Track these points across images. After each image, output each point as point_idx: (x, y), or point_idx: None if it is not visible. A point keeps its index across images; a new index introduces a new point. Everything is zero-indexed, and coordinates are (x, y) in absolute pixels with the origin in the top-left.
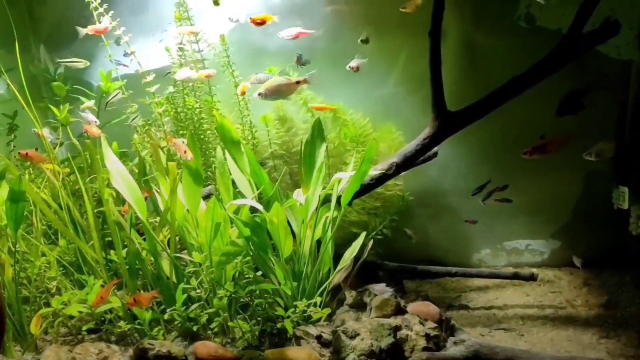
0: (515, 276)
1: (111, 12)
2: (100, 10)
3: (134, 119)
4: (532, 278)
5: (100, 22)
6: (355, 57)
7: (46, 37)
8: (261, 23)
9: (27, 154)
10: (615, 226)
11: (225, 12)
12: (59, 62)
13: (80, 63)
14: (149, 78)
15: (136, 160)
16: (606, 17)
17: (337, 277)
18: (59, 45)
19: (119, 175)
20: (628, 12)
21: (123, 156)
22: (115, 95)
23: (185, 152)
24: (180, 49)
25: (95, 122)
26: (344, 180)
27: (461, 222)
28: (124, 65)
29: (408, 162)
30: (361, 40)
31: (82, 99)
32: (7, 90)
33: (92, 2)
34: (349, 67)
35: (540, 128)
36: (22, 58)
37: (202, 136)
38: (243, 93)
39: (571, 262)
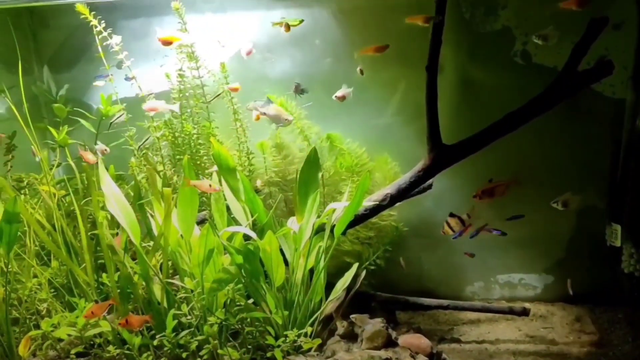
0: (508, 311)
1: (115, 37)
2: (105, 34)
3: (146, 140)
4: (524, 313)
5: (101, 46)
6: (342, 87)
7: (49, 59)
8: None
9: None
10: (608, 263)
11: (226, 39)
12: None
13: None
14: (148, 102)
15: (132, 183)
16: (601, 56)
17: (329, 307)
18: (61, 67)
19: (114, 199)
20: (622, 52)
21: (119, 179)
22: (120, 116)
23: (210, 186)
24: (180, 75)
25: (106, 150)
26: (339, 210)
27: (455, 254)
28: (103, 77)
29: (402, 194)
30: (360, 70)
31: (82, 122)
32: (7, 110)
33: (97, 26)
34: (335, 96)
35: (534, 163)
36: (24, 79)
37: (198, 162)
38: (257, 119)
39: (564, 297)
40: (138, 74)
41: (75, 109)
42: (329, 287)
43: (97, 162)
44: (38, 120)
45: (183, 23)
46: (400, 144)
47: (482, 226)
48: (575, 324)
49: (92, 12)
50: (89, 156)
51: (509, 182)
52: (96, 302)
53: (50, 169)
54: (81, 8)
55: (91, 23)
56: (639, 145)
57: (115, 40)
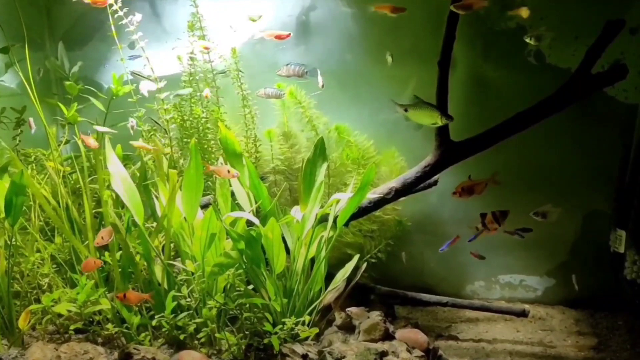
0: (506, 311)
1: (131, 17)
2: (120, 13)
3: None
4: (523, 314)
5: (114, 25)
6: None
7: (62, 35)
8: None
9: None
10: (611, 269)
11: (240, 25)
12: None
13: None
14: (160, 84)
15: (138, 164)
16: (616, 59)
17: (328, 297)
18: (73, 44)
19: (120, 178)
20: (638, 57)
21: (126, 159)
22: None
23: (228, 171)
24: (192, 59)
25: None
26: (343, 201)
27: (457, 252)
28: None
29: (407, 188)
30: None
31: (93, 100)
32: (18, 85)
33: (113, 5)
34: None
35: (542, 164)
36: (36, 54)
37: (205, 146)
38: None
39: (564, 300)
40: (150, 55)
41: (86, 87)
42: (330, 277)
43: (99, 147)
44: (49, 96)
45: (195, 6)
46: (408, 139)
47: (480, 231)
48: (574, 328)
49: None
50: (91, 141)
51: (487, 181)
52: (134, 289)
53: (58, 145)
54: None
55: (108, 2)
56: None
57: (136, 18)
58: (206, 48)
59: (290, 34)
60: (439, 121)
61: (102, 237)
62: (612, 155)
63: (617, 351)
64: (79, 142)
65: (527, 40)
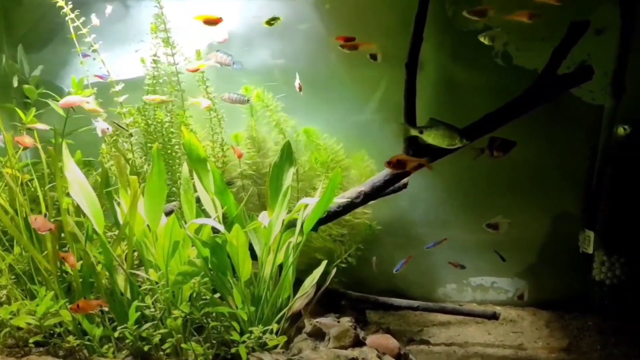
0: (477, 314)
1: (82, 19)
2: (72, 16)
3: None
4: (494, 317)
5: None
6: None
7: (21, 38)
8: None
9: None
10: (580, 270)
11: (203, 27)
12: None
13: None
14: (118, 87)
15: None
16: (582, 61)
17: (297, 304)
18: (33, 47)
19: (78, 185)
20: (603, 58)
21: (87, 165)
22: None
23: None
24: (155, 61)
25: (108, 129)
26: (310, 205)
27: (428, 255)
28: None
29: (377, 192)
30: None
31: (52, 103)
32: None
33: (64, 7)
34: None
35: (511, 166)
36: None
37: (169, 151)
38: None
39: (535, 302)
40: (113, 58)
41: (45, 91)
42: (299, 283)
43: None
44: (7, 101)
45: (160, 7)
46: (378, 141)
47: (441, 240)
48: (544, 330)
49: None
50: (26, 140)
51: (422, 162)
52: (85, 298)
53: (16, 151)
54: None
55: (57, 4)
56: (616, 153)
57: (94, 22)
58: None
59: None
60: (458, 142)
61: (36, 219)
62: (580, 156)
63: (588, 352)
64: (39, 147)
65: (482, 39)
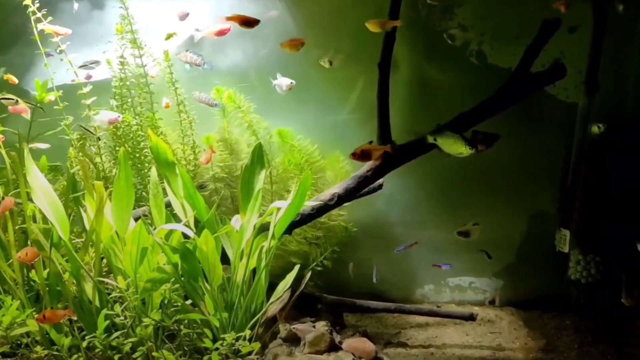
0: (454, 315)
1: (49, 18)
2: (39, 15)
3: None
4: (471, 318)
5: (37, 29)
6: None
7: None
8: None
9: None
10: (556, 269)
11: (171, 27)
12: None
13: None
14: (85, 89)
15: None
16: (556, 58)
17: (271, 309)
18: None
19: (42, 192)
20: (577, 55)
21: (54, 170)
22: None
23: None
24: (122, 63)
25: (119, 117)
26: (282, 209)
27: (406, 256)
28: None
29: (351, 193)
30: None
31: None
32: None
33: (30, 6)
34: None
35: (487, 165)
36: None
37: (138, 154)
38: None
39: (513, 301)
40: (79, 59)
41: (8, 94)
42: (274, 288)
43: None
44: None
45: (125, 8)
46: (354, 142)
47: (411, 243)
48: (522, 330)
49: None
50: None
51: (386, 150)
52: (52, 308)
53: None
54: None
55: (24, 3)
56: (590, 151)
57: (65, 30)
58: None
59: (230, 27)
60: (465, 151)
61: (27, 254)
62: (556, 155)
63: (565, 351)
64: (3, 153)
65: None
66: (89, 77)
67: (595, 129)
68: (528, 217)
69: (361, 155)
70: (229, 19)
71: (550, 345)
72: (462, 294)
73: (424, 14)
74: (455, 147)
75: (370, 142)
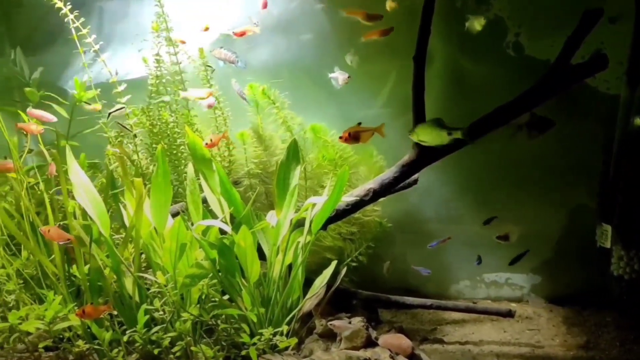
0: (492, 312)
1: (82, 20)
2: (71, 17)
3: (117, 109)
4: (509, 315)
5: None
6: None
7: (22, 40)
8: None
9: None
10: (597, 265)
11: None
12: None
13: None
14: (121, 88)
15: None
16: (596, 49)
17: (307, 305)
18: (35, 49)
19: (83, 188)
20: (618, 46)
21: (93, 167)
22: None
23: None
24: (157, 61)
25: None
26: (318, 205)
27: (441, 252)
28: None
29: (386, 189)
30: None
31: (54, 106)
32: None
33: (63, 8)
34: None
35: (523, 159)
36: None
37: (175, 151)
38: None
39: (551, 298)
40: (115, 58)
41: (48, 93)
42: (309, 283)
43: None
44: (10, 104)
45: (161, 6)
46: (387, 137)
47: (444, 239)
48: (562, 327)
49: None
50: (32, 127)
51: (374, 130)
52: (92, 303)
53: (20, 155)
54: None
55: (56, 5)
56: (633, 144)
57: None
58: (182, 42)
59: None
60: (445, 139)
61: (49, 231)
62: (595, 148)
63: (606, 349)
64: (44, 151)
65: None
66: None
67: (638, 121)
68: (566, 212)
69: (349, 138)
70: (350, 13)
71: (591, 343)
72: (498, 290)
73: (459, 5)
74: (436, 137)
75: (359, 124)
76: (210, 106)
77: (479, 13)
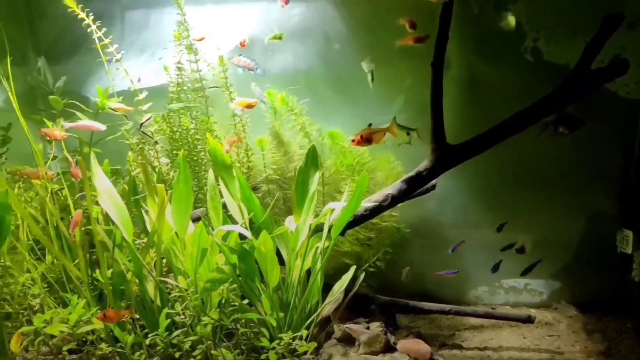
0: (512, 318)
1: (104, 30)
2: (93, 27)
3: (147, 119)
4: (529, 320)
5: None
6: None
7: (46, 49)
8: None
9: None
10: (618, 270)
11: (226, 33)
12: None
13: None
14: (142, 95)
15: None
16: (616, 54)
17: (326, 310)
18: (58, 58)
19: (107, 194)
20: (638, 51)
21: (115, 174)
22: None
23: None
24: (179, 69)
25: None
26: (337, 210)
27: (458, 257)
28: None
29: (404, 194)
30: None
31: (78, 114)
32: (4, 101)
33: (86, 19)
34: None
35: (541, 164)
36: (20, 69)
37: (195, 157)
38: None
39: (571, 304)
40: (136, 66)
41: (71, 101)
42: (327, 288)
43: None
44: (35, 113)
45: (182, 14)
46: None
47: (459, 242)
48: (582, 333)
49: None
50: (56, 132)
51: (386, 130)
52: (112, 307)
53: (45, 162)
54: (68, 1)
55: (79, 16)
56: None
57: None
58: (201, 39)
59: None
60: (405, 139)
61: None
62: (615, 152)
63: (627, 355)
64: (68, 157)
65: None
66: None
67: None
68: (586, 217)
69: (361, 141)
70: (402, 42)
71: (611, 349)
72: (517, 296)
73: (477, 10)
74: (399, 137)
75: (369, 125)
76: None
77: (497, 19)
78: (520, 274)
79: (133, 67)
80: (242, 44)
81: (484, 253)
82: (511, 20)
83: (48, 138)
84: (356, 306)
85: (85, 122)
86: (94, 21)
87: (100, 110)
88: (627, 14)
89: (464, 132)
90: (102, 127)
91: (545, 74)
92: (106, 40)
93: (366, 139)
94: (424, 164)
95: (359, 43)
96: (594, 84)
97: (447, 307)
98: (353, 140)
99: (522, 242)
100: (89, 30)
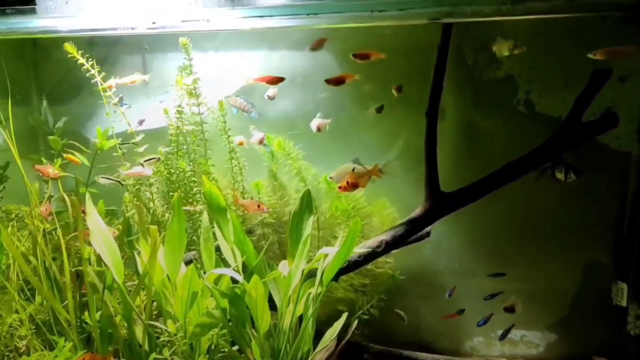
0: None
1: (103, 74)
2: (93, 71)
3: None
4: None
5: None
6: (318, 116)
7: (50, 90)
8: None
9: None
10: (614, 323)
11: (226, 77)
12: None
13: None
14: (138, 138)
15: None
16: (607, 107)
17: (317, 358)
18: (61, 99)
19: (100, 235)
20: (629, 103)
21: (110, 214)
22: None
23: (259, 206)
24: (179, 112)
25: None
26: (330, 255)
27: (454, 306)
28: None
29: (398, 241)
30: (376, 109)
31: (76, 154)
32: (3, 141)
33: (85, 63)
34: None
35: (537, 214)
36: (23, 109)
37: (190, 200)
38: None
39: (567, 356)
40: (138, 109)
41: (71, 141)
42: (319, 335)
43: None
44: (34, 152)
45: (189, 59)
46: (399, 189)
47: (452, 289)
48: None
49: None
50: (49, 170)
51: (370, 173)
52: (93, 352)
53: (41, 201)
54: (69, 47)
55: (79, 61)
56: None
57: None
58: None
59: (284, 77)
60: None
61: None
62: (610, 204)
63: None
64: (65, 197)
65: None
66: (141, 122)
67: None
68: (582, 268)
69: (347, 186)
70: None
71: None
72: (513, 348)
73: (471, 62)
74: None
75: (353, 170)
76: (261, 141)
77: (490, 71)
78: (498, 338)
79: (133, 110)
80: (261, 141)
81: (479, 302)
82: (505, 49)
83: (44, 177)
84: (348, 355)
85: (137, 168)
86: (96, 64)
87: (98, 151)
88: (616, 68)
89: (459, 180)
90: (149, 172)
91: (538, 125)
92: (105, 85)
93: (352, 185)
94: (418, 211)
95: (356, 90)
96: (584, 136)
97: (441, 357)
98: (340, 187)
99: (513, 302)
100: (87, 74)
